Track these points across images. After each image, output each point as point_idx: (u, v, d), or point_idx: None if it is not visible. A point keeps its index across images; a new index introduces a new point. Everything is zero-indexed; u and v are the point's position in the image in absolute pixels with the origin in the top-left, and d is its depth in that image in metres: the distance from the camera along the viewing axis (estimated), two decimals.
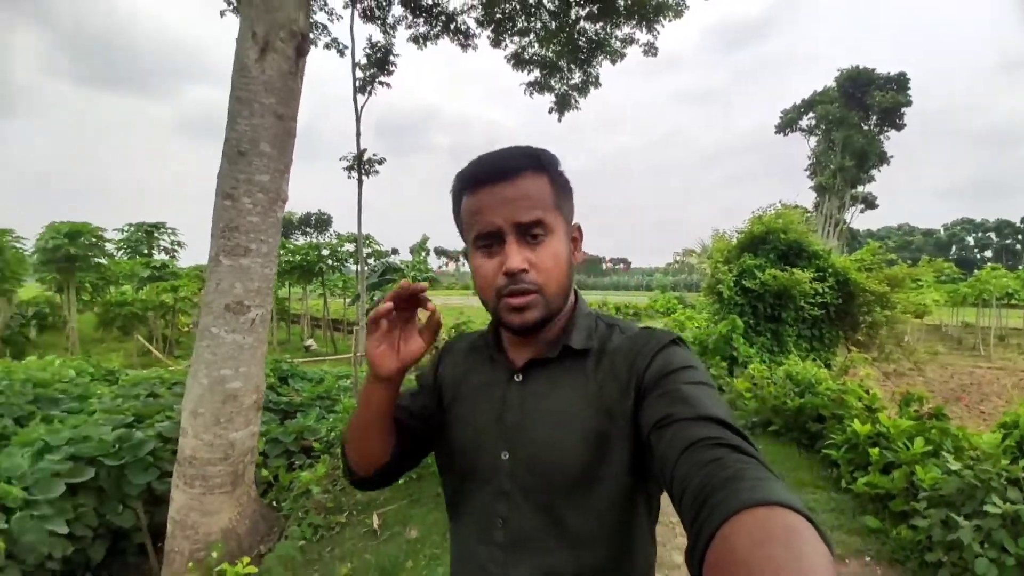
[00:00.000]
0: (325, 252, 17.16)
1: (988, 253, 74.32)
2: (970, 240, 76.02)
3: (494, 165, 0.72)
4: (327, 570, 2.58)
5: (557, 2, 6.98)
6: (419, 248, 14.10)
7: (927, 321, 19.49)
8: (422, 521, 3.09)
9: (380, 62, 9.06)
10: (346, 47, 8.61)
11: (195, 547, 2.87)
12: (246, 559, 2.52)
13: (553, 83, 7.94)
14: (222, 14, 6.39)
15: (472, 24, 7.69)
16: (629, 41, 7.51)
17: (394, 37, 8.71)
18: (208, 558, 2.70)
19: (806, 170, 32.76)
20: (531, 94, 7.94)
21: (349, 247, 17.18)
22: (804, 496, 3.63)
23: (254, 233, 2.70)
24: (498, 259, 0.71)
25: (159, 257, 20.02)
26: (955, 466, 2.66)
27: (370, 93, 9.56)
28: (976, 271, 25.80)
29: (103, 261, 15.73)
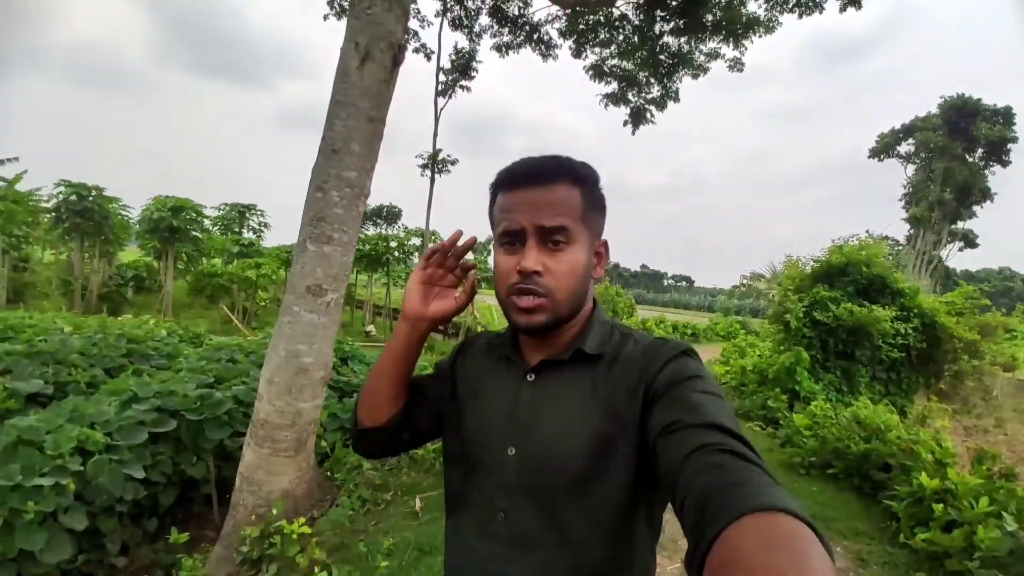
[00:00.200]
0: (393, 244, 17.92)
1: None
2: None
3: (531, 168, 0.74)
4: (372, 540, 2.77)
5: (641, 16, 6.96)
6: (483, 248, 14.44)
7: (1018, 376, 17.54)
8: None
9: (463, 68, 9.44)
10: (433, 52, 9.05)
11: (258, 502, 3.15)
12: (302, 519, 2.77)
13: (630, 96, 7.91)
14: (325, 18, 6.92)
15: (554, 35, 7.84)
16: (714, 56, 7.34)
17: (479, 45, 9.06)
18: (268, 514, 2.96)
19: (900, 200, 30.29)
20: (607, 106, 7.95)
21: (415, 241, 17.88)
22: (858, 547, 3.45)
23: (338, 224, 2.95)
24: (517, 257, 0.73)
25: (247, 236, 21.74)
26: (1011, 527, 2.49)
27: (450, 96, 9.99)
28: None
29: (199, 235, 17.27)
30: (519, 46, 8.15)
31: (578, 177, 0.74)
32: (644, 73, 7.68)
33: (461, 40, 8.95)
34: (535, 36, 7.93)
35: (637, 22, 7.07)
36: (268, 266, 16.92)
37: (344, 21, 3.23)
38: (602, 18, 7.18)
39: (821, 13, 6.15)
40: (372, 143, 3.02)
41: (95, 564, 2.89)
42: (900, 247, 30.16)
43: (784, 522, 0.42)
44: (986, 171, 27.19)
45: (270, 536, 2.70)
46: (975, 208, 27.84)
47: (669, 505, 0.61)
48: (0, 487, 2.48)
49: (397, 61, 2.97)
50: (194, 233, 16.92)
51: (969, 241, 29.66)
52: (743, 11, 6.58)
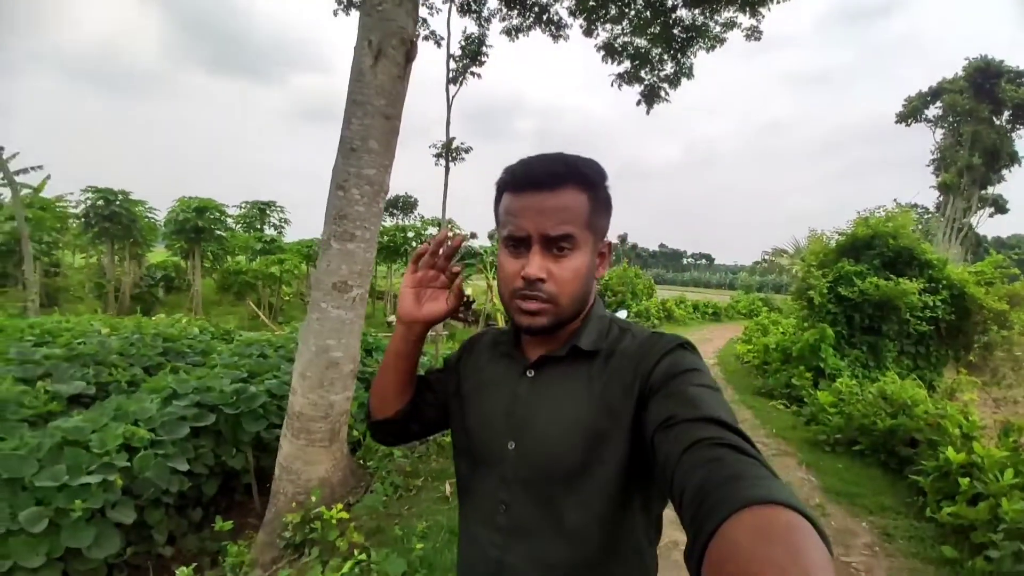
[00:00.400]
0: (410, 235, 18.08)
1: None
2: None
3: (539, 172, 0.73)
4: (406, 524, 2.90)
5: None
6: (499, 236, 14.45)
7: None
8: None
9: (473, 54, 9.39)
10: (442, 38, 9.01)
11: (297, 490, 3.30)
12: (339, 505, 2.91)
13: (643, 74, 7.78)
14: (335, 13, 6.94)
15: (564, 14, 7.72)
16: (730, 26, 7.13)
17: (488, 30, 8.98)
18: (307, 501, 3.11)
19: (928, 165, 29.21)
20: (619, 86, 7.84)
21: (432, 231, 18.00)
22: (884, 522, 3.47)
23: (360, 221, 3.04)
24: (521, 262, 0.73)
25: (269, 232, 22.18)
26: None
27: (462, 83, 9.95)
28: None
29: (224, 234, 17.68)
30: (529, 29, 8.06)
31: (585, 181, 0.74)
32: (657, 50, 7.53)
33: (470, 26, 8.88)
34: (544, 17, 7.83)
35: None
36: (290, 261, 17.27)
37: (353, 15, 3.26)
38: None
39: None
40: (389, 140, 3.08)
41: (143, 556, 3.02)
42: (930, 215, 29.16)
43: (781, 515, 0.42)
44: (1012, 134, 26.09)
45: (311, 522, 2.84)
46: (1004, 172, 26.75)
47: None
48: (46, 488, 2.56)
49: (410, 57, 3.01)
50: (218, 232, 17.34)
51: (999, 207, 28.54)
52: None
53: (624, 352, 0.75)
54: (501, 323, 11.66)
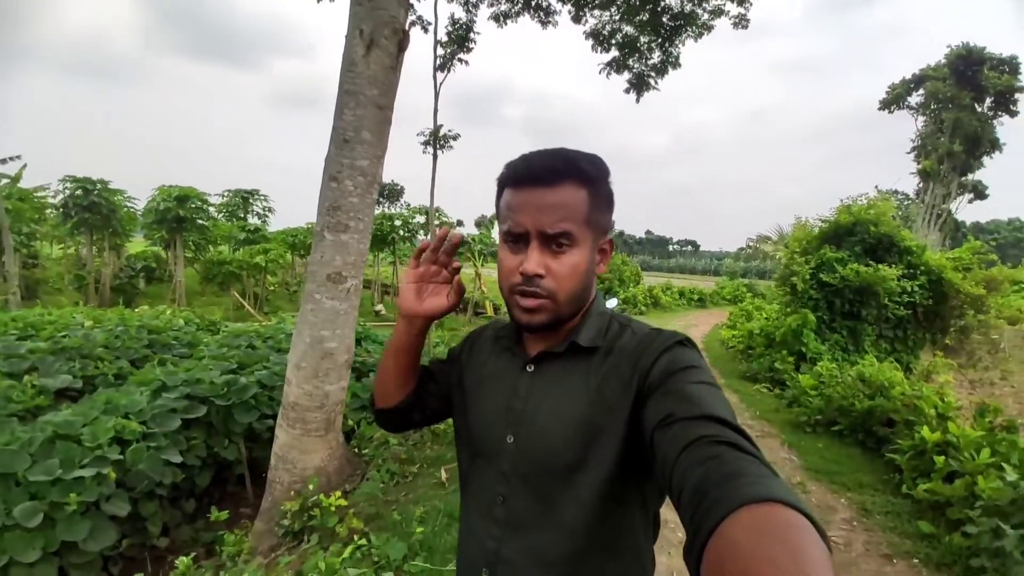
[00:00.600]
0: (398, 223, 17.95)
1: None
2: None
3: (538, 167, 0.73)
4: (404, 510, 2.96)
5: None
6: (487, 224, 14.45)
7: None
8: None
9: (460, 39, 9.26)
10: (430, 24, 8.87)
11: (293, 479, 3.33)
12: (337, 492, 2.96)
13: (631, 63, 7.79)
14: (318, 0, 6.79)
15: (553, 0, 7.66)
16: (718, 13, 7.16)
17: (476, 15, 8.87)
18: (305, 490, 3.14)
19: (909, 153, 29.68)
20: (608, 75, 7.84)
21: (420, 219, 17.89)
22: (862, 498, 3.63)
23: (353, 212, 3.04)
24: (520, 258, 0.74)
25: (253, 221, 21.83)
26: (1012, 477, 2.63)
27: (449, 70, 9.82)
28: None
29: (206, 223, 17.37)
30: (517, 14, 7.99)
31: (585, 177, 0.73)
32: (646, 38, 7.53)
33: (457, 11, 8.76)
34: (533, 3, 7.76)
35: None
36: (276, 250, 17.05)
37: (339, 1, 3.20)
38: None
39: None
40: (382, 130, 3.08)
41: (137, 548, 3.04)
42: (910, 201, 29.68)
43: (780, 513, 0.42)
44: (994, 121, 26.58)
45: (309, 509, 2.88)
46: (984, 159, 27.30)
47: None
48: (40, 482, 2.56)
49: (402, 47, 3.00)
50: (200, 221, 17.01)
51: (979, 192, 29.15)
52: None
53: (623, 348, 0.76)
54: (490, 311, 11.70)
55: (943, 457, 3.26)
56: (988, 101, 26.44)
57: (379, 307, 19.94)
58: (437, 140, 10.50)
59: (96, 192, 14.81)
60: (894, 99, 29.74)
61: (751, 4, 6.99)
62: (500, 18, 8.02)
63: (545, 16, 7.88)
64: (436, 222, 15.61)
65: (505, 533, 0.77)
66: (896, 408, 4.44)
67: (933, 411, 4.05)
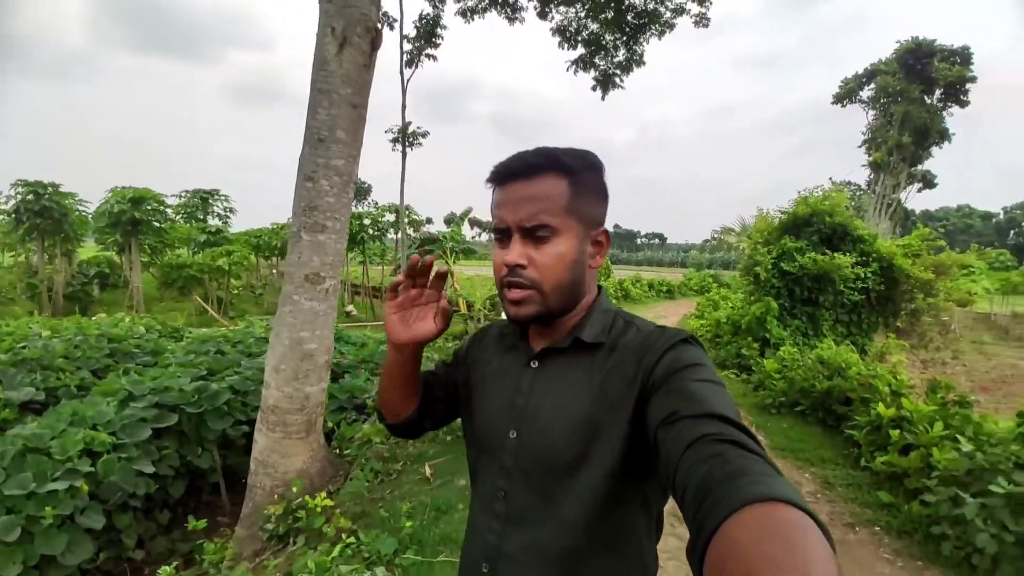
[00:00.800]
0: (367, 222, 17.70)
1: None
2: None
3: (515, 163, 0.75)
4: (390, 507, 2.98)
5: None
6: (458, 221, 14.41)
7: (976, 310, 18.71)
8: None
9: (428, 35, 9.21)
10: (395, 20, 8.78)
11: (275, 483, 3.30)
12: (323, 494, 2.95)
13: (597, 60, 7.92)
14: None
15: None
16: (680, 12, 7.37)
17: (442, 10, 8.84)
18: (288, 493, 3.12)
19: (860, 146, 30.99)
20: (575, 72, 7.95)
21: (389, 217, 17.69)
22: (824, 472, 3.86)
23: (330, 212, 3.02)
24: (505, 252, 0.75)
25: (213, 223, 21.10)
26: (967, 448, 2.83)
27: (416, 66, 9.76)
28: None
29: (163, 226, 16.73)
30: (484, 10, 8.00)
31: (565, 168, 0.73)
32: (611, 36, 7.67)
33: (425, 7, 8.71)
34: None
35: None
36: (239, 252, 16.57)
37: None
38: None
39: None
40: (356, 129, 3.07)
41: (114, 561, 2.99)
42: (861, 192, 30.99)
43: (782, 512, 0.41)
44: (944, 112, 27.77)
45: (294, 512, 2.87)
46: (933, 149, 28.52)
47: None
48: (15, 496, 2.51)
49: (375, 45, 2.99)
50: (157, 224, 16.37)
51: (928, 182, 30.59)
52: None
53: (627, 345, 0.75)
54: (463, 308, 11.71)
55: (898, 431, 3.49)
56: (938, 93, 27.51)
57: (350, 308, 19.64)
58: (406, 137, 10.43)
59: (47, 196, 14.08)
60: (847, 93, 30.88)
61: (711, 3, 7.22)
62: (467, 13, 8.03)
63: (512, 12, 7.93)
64: (406, 219, 15.47)
65: (506, 528, 0.77)
66: (853, 387, 4.72)
67: (887, 389, 4.32)
